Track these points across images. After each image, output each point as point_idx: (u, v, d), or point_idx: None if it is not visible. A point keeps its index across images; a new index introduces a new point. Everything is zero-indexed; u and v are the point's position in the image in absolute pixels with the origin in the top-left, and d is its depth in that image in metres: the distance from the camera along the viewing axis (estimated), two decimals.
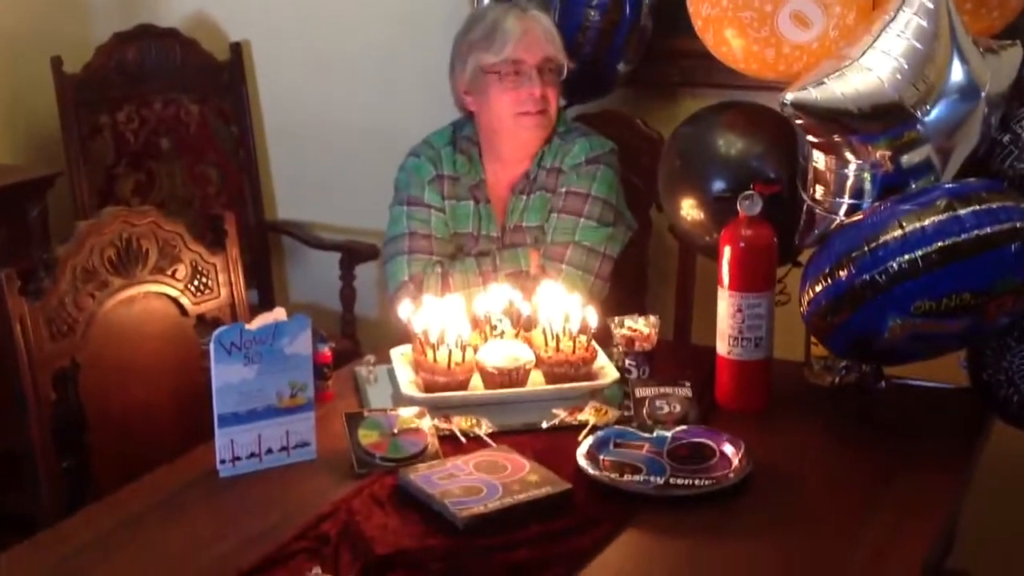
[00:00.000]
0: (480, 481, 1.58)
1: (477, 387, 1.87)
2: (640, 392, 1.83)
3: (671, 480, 1.62)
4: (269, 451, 1.66)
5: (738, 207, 1.81)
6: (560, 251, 2.22)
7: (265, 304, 3.08)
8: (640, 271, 2.57)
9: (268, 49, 3.15)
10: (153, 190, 3.09)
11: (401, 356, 1.94)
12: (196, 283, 1.92)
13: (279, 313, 1.64)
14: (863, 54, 1.71)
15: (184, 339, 1.90)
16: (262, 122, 3.19)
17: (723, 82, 2.31)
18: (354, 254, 2.93)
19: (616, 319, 1.96)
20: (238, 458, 1.64)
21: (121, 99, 3.05)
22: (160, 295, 1.92)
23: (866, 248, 1.69)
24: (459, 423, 1.78)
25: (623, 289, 2.37)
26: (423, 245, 2.25)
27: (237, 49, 3.13)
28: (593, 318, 1.90)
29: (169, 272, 1.89)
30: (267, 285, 3.21)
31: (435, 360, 1.83)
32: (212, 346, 1.56)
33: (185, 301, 1.92)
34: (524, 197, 2.28)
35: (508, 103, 2.21)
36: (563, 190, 2.25)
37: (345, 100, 3.06)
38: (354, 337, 3.00)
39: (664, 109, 2.63)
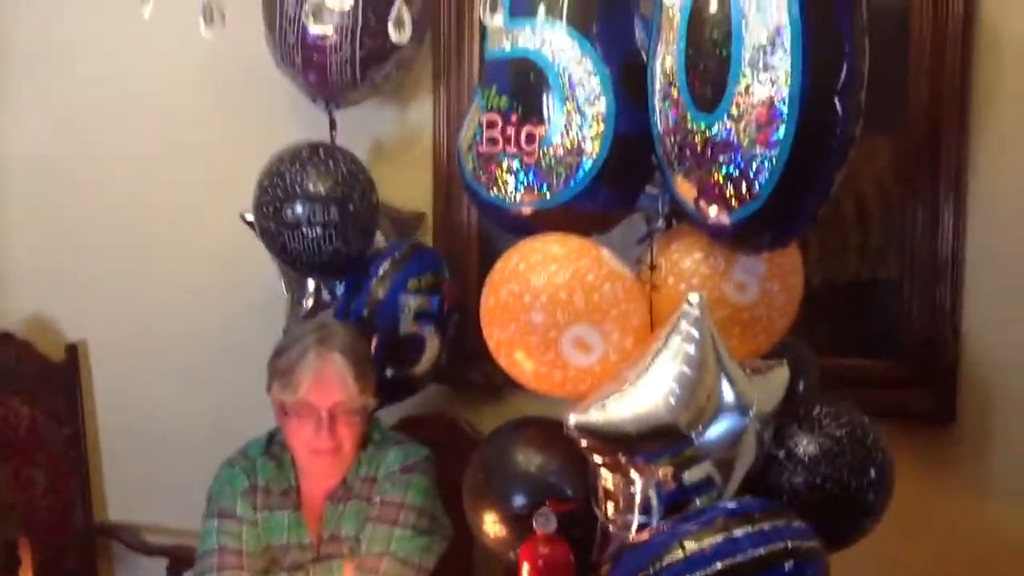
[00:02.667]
0: None
1: None
2: None
3: None
4: None
5: (534, 524, 1.86)
6: (374, 563, 2.20)
7: None
8: None
9: (105, 349, 3.17)
10: None
11: None
12: None
13: None
14: (639, 378, 1.83)
15: None
16: (95, 421, 3.17)
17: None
18: (180, 560, 2.86)
19: None
20: None
21: None
22: None
23: (651, 569, 1.75)
24: None
25: None
26: (232, 561, 2.23)
27: (72, 350, 3.14)
28: None
29: None
30: None
31: None
32: None
33: None
34: (340, 506, 2.28)
35: (302, 439, 2.23)
36: (377, 499, 2.25)
37: (179, 399, 3.08)
38: None
39: (491, 409, 2.71)
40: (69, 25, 3.07)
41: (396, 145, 2.84)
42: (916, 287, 2.39)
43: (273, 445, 2.35)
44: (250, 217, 2.67)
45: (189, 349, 3.07)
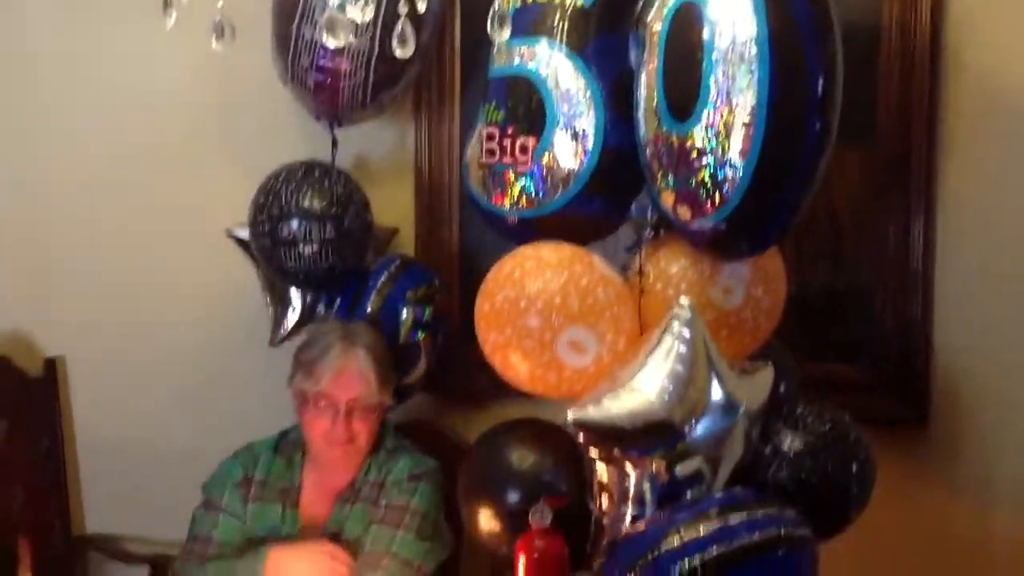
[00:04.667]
0: None
1: None
2: None
3: None
4: None
5: (529, 519, 1.91)
6: (375, 559, 2.24)
7: None
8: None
9: (83, 364, 3.15)
10: None
11: None
12: None
13: None
14: (633, 377, 1.90)
15: None
16: (73, 435, 3.16)
17: (527, 393, 2.47)
18: (160, 567, 2.85)
19: None
20: None
21: None
22: None
23: (649, 556, 1.81)
24: None
25: None
26: (199, 550, 2.30)
27: (51, 364, 3.13)
28: None
29: None
30: None
31: None
32: None
33: None
34: (347, 507, 2.33)
35: (318, 429, 2.31)
36: (383, 503, 2.31)
37: (158, 414, 3.07)
38: None
39: (475, 418, 2.75)
40: (47, 36, 3.05)
41: (377, 163, 2.88)
42: (888, 295, 2.48)
43: (285, 443, 2.41)
44: (237, 233, 2.71)
45: (168, 364, 3.07)
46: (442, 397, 2.81)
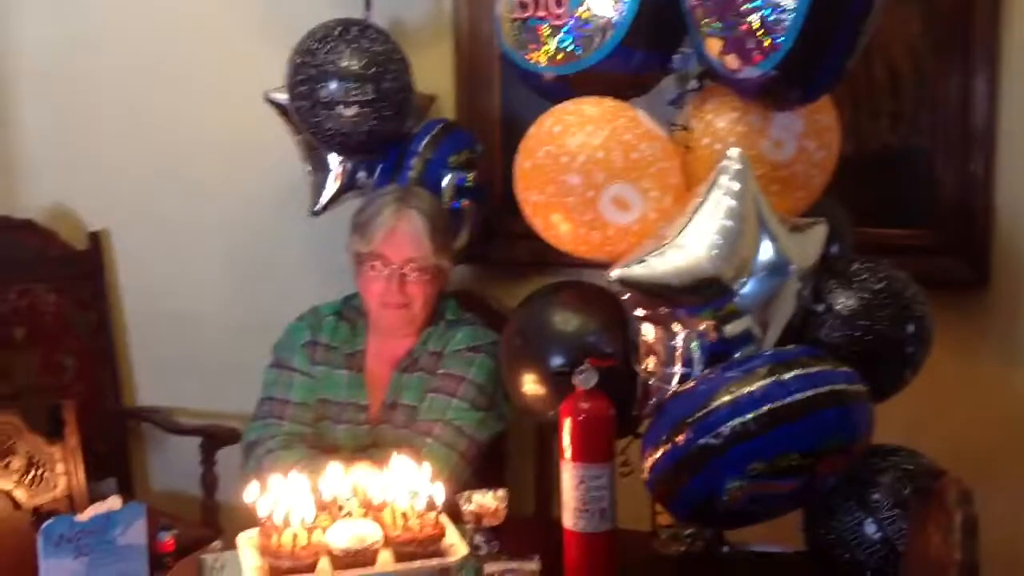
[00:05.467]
0: None
1: (325, 570, 1.84)
2: (488, 568, 1.83)
3: None
4: None
5: (574, 382, 1.87)
6: (428, 426, 2.26)
7: (124, 494, 2.99)
8: (498, 443, 2.59)
9: (128, 236, 3.17)
10: (7, 381, 3.02)
11: (247, 541, 1.91)
12: (32, 475, 1.88)
13: (113, 502, 1.62)
14: (680, 233, 1.83)
15: (18, 534, 1.83)
16: (121, 308, 3.18)
17: (570, 261, 2.42)
18: (214, 438, 2.88)
19: (464, 494, 1.97)
20: None
21: None
22: None
23: (699, 414, 1.77)
24: None
25: (482, 460, 2.38)
26: (280, 411, 2.30)
27: (96, 238, 3.14)
28: (440, 495, 1.91)
29: (2, 464, 1.85)
30: (126, 474, 3.13)
31: (279, 544, 1.81)
32: (40, 540, 1.52)
33: (19, 494, 1.87)
34: (405, 376, 2.33)
35: (374, 291, 2.31)
36: (441, 372, 2.31)
37: (205, 284, 3.09)
38: (216, 524, 2.92)
39: (517, 288, 2.72)
40: None
41: (413, 25, 2.79)
42: (949, 154, 2.37)
43: (348, 309, 2.42)
44: (275, 96, 2.65)
45: (212, 234, 3.08)
46: (484, 267, 2.78)
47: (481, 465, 2.33)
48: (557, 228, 2.01)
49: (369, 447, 2.28)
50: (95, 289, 3.12)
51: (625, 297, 1.88)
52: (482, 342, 2.34)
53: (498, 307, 2.64)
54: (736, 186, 1.82)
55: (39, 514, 1.88)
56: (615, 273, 1.82)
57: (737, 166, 1.83)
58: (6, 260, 3.05)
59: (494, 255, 2.73)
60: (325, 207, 2.68)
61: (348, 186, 2.68)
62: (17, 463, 1.88)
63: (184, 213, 3.09)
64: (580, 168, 1.94)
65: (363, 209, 2.37)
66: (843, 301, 1.90)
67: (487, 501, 1.95)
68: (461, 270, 2.70)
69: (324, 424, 2.34)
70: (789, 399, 1.72)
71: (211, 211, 3.05)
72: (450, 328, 2.36)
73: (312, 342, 2.38)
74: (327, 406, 2.34)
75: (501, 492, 1.97)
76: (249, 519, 1.85)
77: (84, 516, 1.58)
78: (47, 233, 3.11)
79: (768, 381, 1.73)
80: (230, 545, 1.95)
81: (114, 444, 3.09)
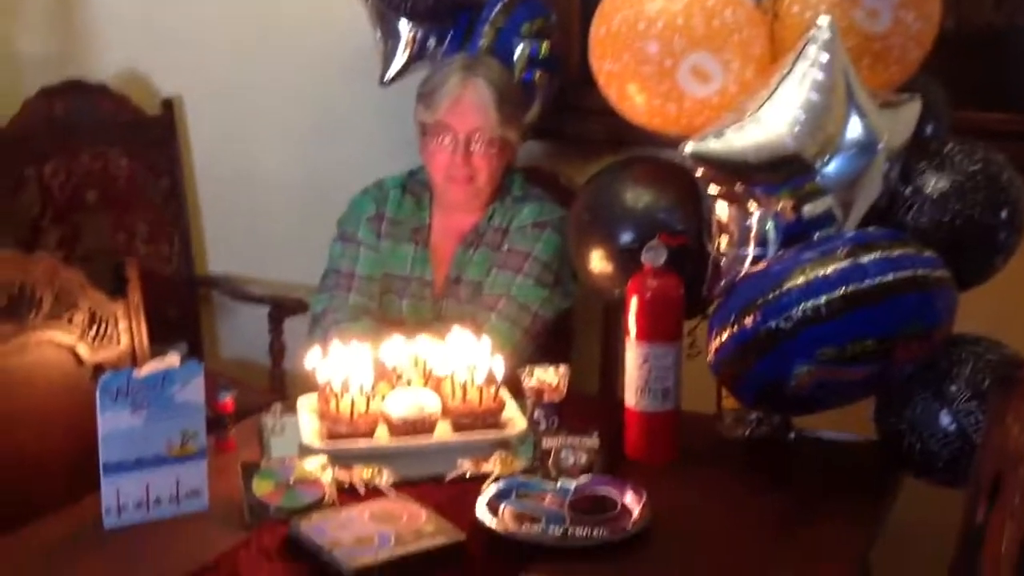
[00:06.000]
0: (373, 531, 1.55)
1: (382, 437, 1.84)
2: (547, 443, 1.81)
3: (569, 531, 1.59)
4: (158, 501, 1.62)
5: (642, 258, 1.81)
6: (492, 301, 2.23)
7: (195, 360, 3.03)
8: (564, 320, 2.56)
9: (200, 103, 3.15)
10: (79, 243, 3.05)
11: (307, 405, 1.91)
12: (94, 331, 1.89)
13: (171, 359, 1.61)
14: (761, 107, 1.73)
15: (79, 389, 1.85)
16: (193, 176, 3.18)
17: (646, 139, 2.33)
18: (283, 308, 2.89)
19: (527, 369, 1.94)
20: (124, 508, 1.60)
21: (48, 152, 3.03)
22: (55, 343, 1.86)
23: (771, 295, 1.70)
24: (360, 473, 1.74)
25: (548, 337, 2.34)
26: (346, 283, 2.28)
27: (168, 104, 3.13)
28: (500, 368, 1.88)
29: (65, 319, 1.86)
30: (197, 340, 3.17)
31: (338, 409, 1.80)
32: (98, 392, 1.53)
33: (82, 350, 1.88)
34: (470, 251, 2.30)
35: (438, 163, 2.26)
36: (506, 248, 2.27)
37: (276, 154, 3.07)
38: (284, 391, 2.96)
39: (589, 165, 2.64)
40: None
41: None
42: None
43: (413, 182, 2.37)
44: None
45: (284, 103, 3.04)
46: (555, 143, 2.70)
47: (547, 342, 2.29)
48: (632, 99, 1.92)
49: (433, 321, 2.26)
50: (167, 155, 3.12)
51: (699, 173, 1.79)
52: (549, 218, 2.28)
53: (567, 184, 2.56)
54: (825, 57, 1.72)
55: (100, 370, 1.89)
56: (689, 147, 1.74)
57: (827, 36, 1.72)
58: (79, 123, 3.05)
59: (567, 130, 2.65)
60: (395, 77, 2.61)
61: (418, 55, 2.59)
62: (79, 318, 1.88)
63: (256, 81, 3.05)
64: (658, 35, 1.84)
65: (429, 78, 2.30)
66: (934, 183, 1.79)
67: (548, 377, 1.92)
68: (531, 145, 2.63)
69: (388, 298, 2.32)
70: (867, 282, 1.63)
71: (282, 80, 3.01)
72: (516, 203, 2.31)
73: (377, 215, 2.34)
74: (392, 280, 2.32)
75: (563, 368, 1.94)
76: (315, 388, 1.85)
77: (142, 372, 1.58)
78: (120, 98, 3.10)
79: (845, 264, 1.65)
80: (291, 409, 1.96)
81: (185, 310, 3.12)
